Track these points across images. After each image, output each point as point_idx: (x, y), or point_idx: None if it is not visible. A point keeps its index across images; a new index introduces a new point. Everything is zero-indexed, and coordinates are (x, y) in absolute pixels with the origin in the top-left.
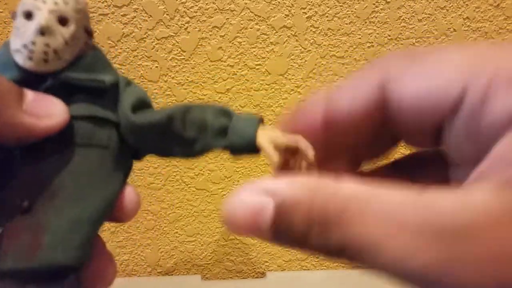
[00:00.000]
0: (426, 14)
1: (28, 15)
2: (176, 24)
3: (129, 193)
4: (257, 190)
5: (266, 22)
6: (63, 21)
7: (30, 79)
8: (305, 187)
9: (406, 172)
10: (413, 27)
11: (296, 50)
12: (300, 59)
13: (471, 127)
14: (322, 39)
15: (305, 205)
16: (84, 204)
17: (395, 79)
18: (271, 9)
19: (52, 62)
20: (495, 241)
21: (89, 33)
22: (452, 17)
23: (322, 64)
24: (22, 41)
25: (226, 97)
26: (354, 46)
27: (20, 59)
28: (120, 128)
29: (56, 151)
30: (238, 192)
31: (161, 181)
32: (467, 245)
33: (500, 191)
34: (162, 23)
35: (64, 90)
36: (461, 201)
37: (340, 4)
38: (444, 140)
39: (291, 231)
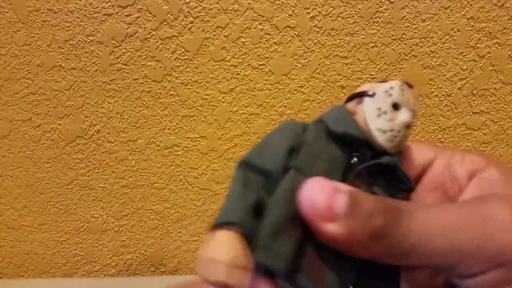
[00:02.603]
0: (429, 14)
1: (396, 106)
2: (180, 24)
3: None
4: (327, 181)
5: (270, 22)
6: (395, 106)
7: (362, 145)
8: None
9: None
10: (417, 27)
11: (300, 50)
12: (304, 59)
13: (438, 182)
14: (326, 39)
15: (372, 198)
16: None
17: None
18: (275, 9)
19: (397, 147)
20: None
21: None
22: (456, 17)
23: (326, 64)
24: (389, 126)
25: (230, 97)
26: (358, 46)
27: (382, 138)
28: None
29: None
30: (310, 183)
31: (164, 180)
32: None
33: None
34: (166, 23)
35: (381, 169)
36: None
37: (344, 4)
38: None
39: (364, 213)
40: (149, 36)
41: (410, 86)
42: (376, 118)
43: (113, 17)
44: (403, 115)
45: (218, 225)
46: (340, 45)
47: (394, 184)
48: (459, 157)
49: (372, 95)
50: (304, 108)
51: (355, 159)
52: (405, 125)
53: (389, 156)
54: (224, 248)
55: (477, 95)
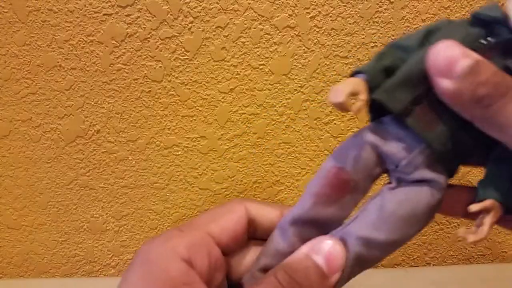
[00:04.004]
0: (429, 14)
1: None
2: (180, 24)
3: None
4: (459, 46)
5: (270, 22)
6: None
7: (502, 25)
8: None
9: None
10: (417, 27)
11: (300, 50)
12: (304, 59)
13: None
14: (326, 39)
15: (493, 70)
16: None
17: None
18: (275, 9)
19: None
20: None
21: None
22: (456, 17)
23: (326, 64)
24: None
25: (230, 97)
26: (358, 46)
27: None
28: None
29: None
30: (442, 42)
31: (164, 180)
32: None
33: None
34: (166, 23)
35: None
36: None
37: (344, 4)
38: None
39: (478, 81)
40: (149, 36)
41: None
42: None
43: (113, 17)
44: None
45: (351, 75)
46: (340, 45)
47: None
48: None
49: None
50: (304, 108)
51: (490, 38)
52: None
53: None
54: (347, 83)
55: None
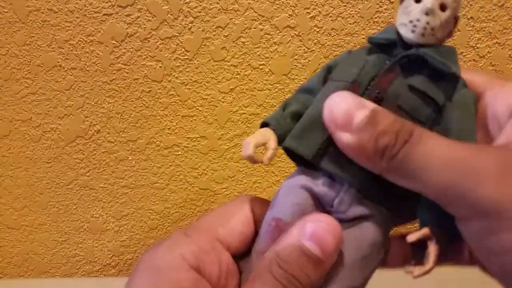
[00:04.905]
0: None
1: (418, 0)
2: (180, 24)
3: None
4: (353, 97)
5: (270, 22)
6: (443, 7)
7: (399, 45)
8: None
9: None
10: None
11: (300, 50)
12: (304, 59)
13: (481, 122)
14: (326, 39)
15: (392, 118)
16: None
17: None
18: (275, 9)
19: (427, 37)
20: None
21: (456, 20)
22: None
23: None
24: (408, 18)
25: (230, 97)
26: (358, 46)
27: (404, 31)
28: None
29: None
30: (336, 94)
31: (164, 180)
32: None
33: None
34: (166, 23)
35: (415, 62)
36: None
37: (344, 4)
38: None
39: (378, 131)
40: (149, 36)
41: None
42: (400, 16)
43: (113, 17)
44: (423, 4)
45: (260, 127)
46: (340, 45)
47: (434, 74)
48: (508, 90)
49: (401, 1)
50: None
51: (388, 62)
52: (423, 12)
53: (418, 48)
54: (254, 136)
55: None
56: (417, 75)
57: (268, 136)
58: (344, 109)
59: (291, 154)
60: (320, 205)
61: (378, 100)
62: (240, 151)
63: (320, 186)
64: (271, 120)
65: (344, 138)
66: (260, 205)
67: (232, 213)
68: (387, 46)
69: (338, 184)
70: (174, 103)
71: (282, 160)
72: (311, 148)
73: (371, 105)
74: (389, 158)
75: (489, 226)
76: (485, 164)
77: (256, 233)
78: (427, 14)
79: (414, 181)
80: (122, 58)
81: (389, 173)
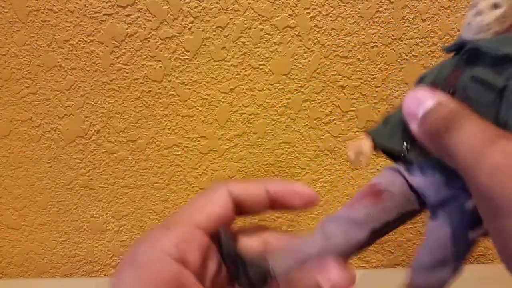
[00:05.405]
0: (430, 14)
1: (473, 5)
2: (180, 24)
3: None
4: (425, 90)
5: (270, 22)
6: (496, 6)
7: (463, 45)
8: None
9: None
10: (417, 27)
11: (300, 50)
12: (304, 59)
13: None
14: (326, 39)
15: (449, 107)
16: None
17: None
18: (275, 9)
19: (485, 33)
20: None
21: None
22: (456, 17)
23: (326, 64)
24: (467, 21)
25: (230, 97)
26: (358, 46)
27: (464, 33)
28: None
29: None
30: (413, 90)
31: (164, 180)
32: None
33: None
34: (166, 23)
35: (475, 55)
36: None
37: (344, 4)
38: None
39: (433, 117)
40: (149, 36)
41: None
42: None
43: (113, 17)
44: (475, 8)
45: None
46: (340, 45)
47: (492, 61)
48: None
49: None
50: (304, 108)
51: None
52: (473, 15)
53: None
54: (356, 143)
55: None
56: (478, 66)
57: (365, 143)
58: (416, 100)
59: (386, 152)
60: (412, 189)
61: (451, 95)
62: (241, 151)
63: (412, 175)
64: (372, 132)
65: (413, 126)
66: (239, 187)
67: (209, 199)
68: (459, 49)
69: (426, 171)
70: (174, 103)
71: (282, 161)
72: (399, 143)
73: (438, 96)
74: (439, 141)
75: (492, 211)
76: (494, 157)
77: (236, 212)
78: (477, 15)
79: (454, 161)
80: (122, 58)
81: (438, 152)
